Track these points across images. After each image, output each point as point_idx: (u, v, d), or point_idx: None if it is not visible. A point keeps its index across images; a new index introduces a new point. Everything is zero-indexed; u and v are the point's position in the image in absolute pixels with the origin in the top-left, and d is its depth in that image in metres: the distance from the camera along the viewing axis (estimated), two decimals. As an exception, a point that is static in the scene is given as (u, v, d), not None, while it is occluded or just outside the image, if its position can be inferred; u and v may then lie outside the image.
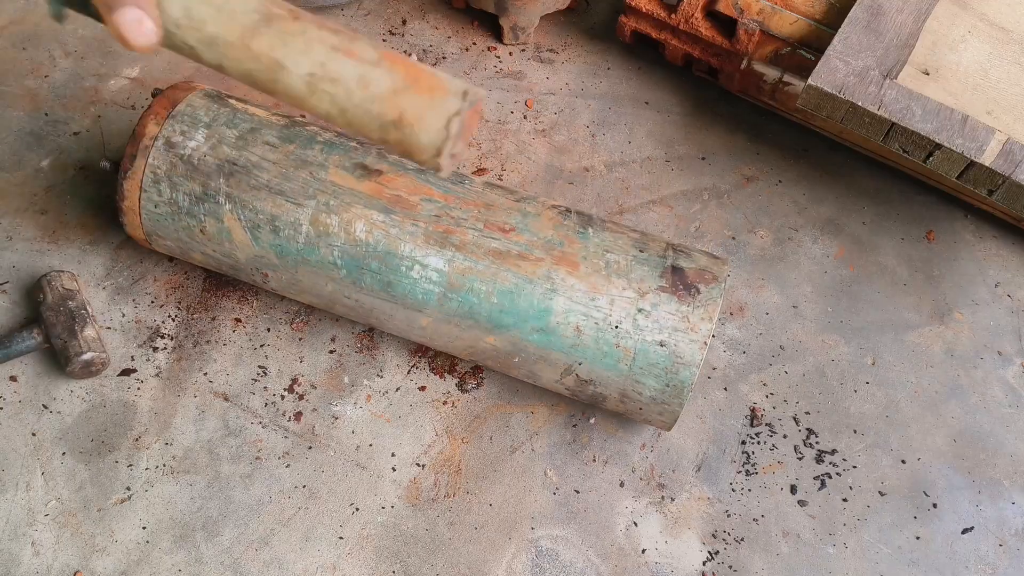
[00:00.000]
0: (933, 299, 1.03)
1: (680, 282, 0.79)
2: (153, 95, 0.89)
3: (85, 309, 0.89)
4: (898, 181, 1.11)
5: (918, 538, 0.88)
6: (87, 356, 0.86)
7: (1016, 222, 1.07)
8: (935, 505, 0.90)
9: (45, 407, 0.88)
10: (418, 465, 0.89)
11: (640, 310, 0.78)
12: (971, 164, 0.87)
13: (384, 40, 1.17)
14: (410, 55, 1.16)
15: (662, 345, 0.78)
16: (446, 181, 0.84)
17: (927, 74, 0.92)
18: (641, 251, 0.81)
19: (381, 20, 1.19)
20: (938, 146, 0.88)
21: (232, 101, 0.88)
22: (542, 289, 0.79)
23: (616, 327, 0.79)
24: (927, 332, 1.01)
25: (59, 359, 0.87)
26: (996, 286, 1.05)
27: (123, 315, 0.94)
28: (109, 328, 0.93)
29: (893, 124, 0.89)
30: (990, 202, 1.05)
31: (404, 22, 1.19)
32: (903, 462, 0.92)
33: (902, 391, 0.97)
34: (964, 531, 0.89)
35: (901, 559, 0.87)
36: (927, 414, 0.95)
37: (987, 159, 0.87)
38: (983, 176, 0.88)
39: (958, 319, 1.02)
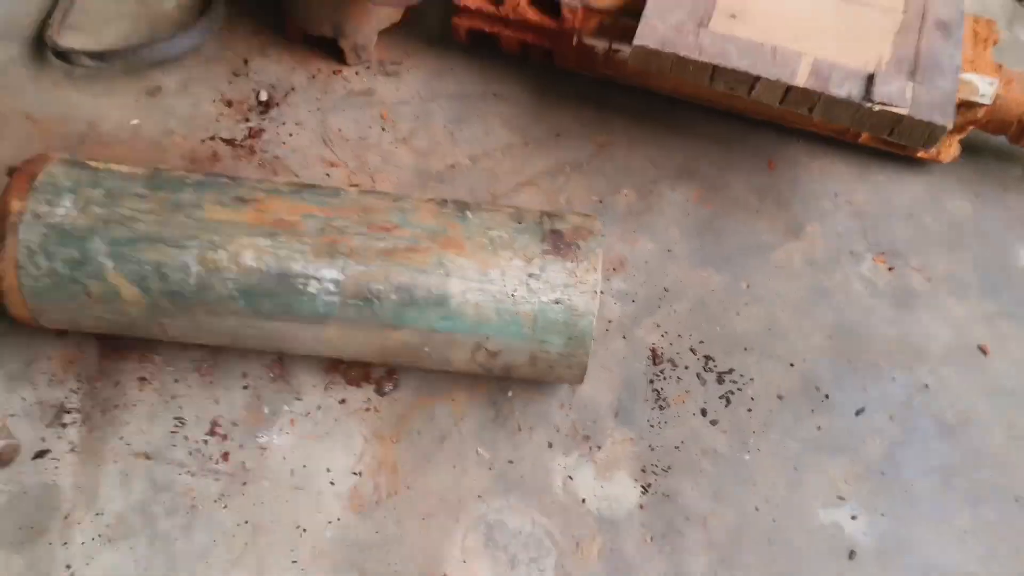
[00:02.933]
0: (785, 219, 1.14)
1: (560, 242, 0.85)
2: (9, 174, 0.88)
3: None
4: (734, 122, 1.21)
5: (819, 428, 0.97)
6: None
7: (839, 135, 1.19)
8: (827, 396, 0.99)
9: (-39, 508, 0.85)
10: (355, 474, 0.91)
11: (531, 275, 0.84)
12: (789, 88, 0.97)
13: (230, 83, 1.19)
14: (258, 92, 1.18)
15: (558, 302, 0.84)
16: (322, 196, 0.87)
17: (734, 17, 1.02)
18: (519, 223, 0.87)
19: (223, 63, 1.20)
20: (757, 78, 0.98)
21: (91, 163, 0.88)
22: (436, 275, 0.84)
23: (512, 295, 0.84)
24: (787, 249, 1.11)
25: None
26: (836, 195, 1.16)
27: (23, 399, 0.92)
28: (12, 416, 0.91)
29: (715, 67, 0.98)
30: (816, 123, 1.16)
31: (246, 62, 1.21)
32: (792, 365, 1.01)
33: (777, 305, 1.06)
34: (857, 412, 0.98)
35: (809, 449, 0.95)
36: (802, 320, 1.05)
37: (800, 80, 0.97)
38: (801, 97, 0.98)
39: (810, 231, 1.13)
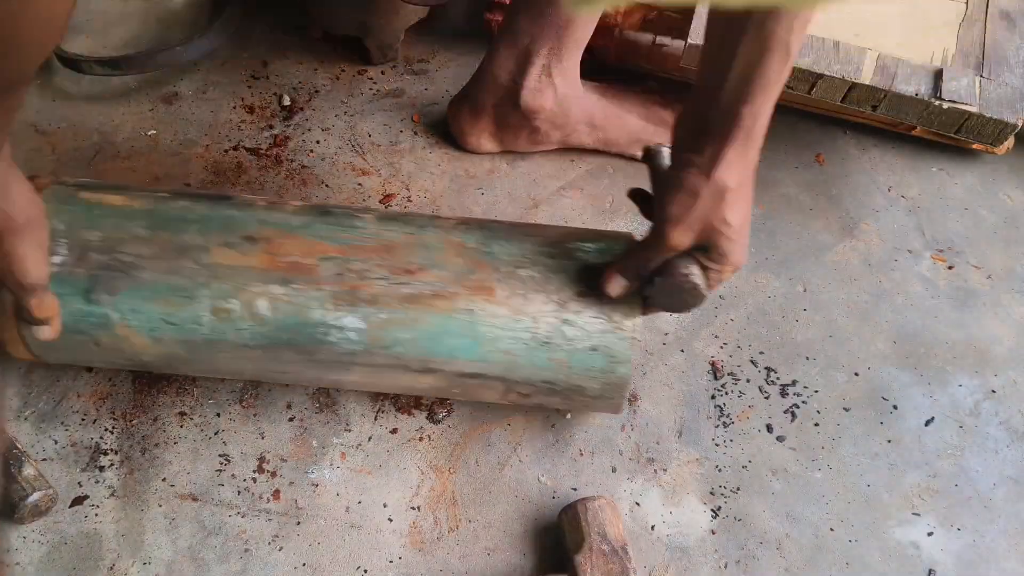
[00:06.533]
0: (839, 217, 1.09)
1: (597, 282, 0.79)
2: None
3: (15, 448, 0.82)
4: (777, 114, 1.15)
5: (889, 441, 0.94)
6: (34, 497, 0.79)
7: (890, 127, 1.14)
8: (895, 407, 0.96)
9: (1, 563, 0.80)
10: (413, 508, 0.86)
11: (565, 320, 0.78)
12: (852, 86, 0.93)
13: (250, 87, 1.12)
14: (280, 96, 1.11)
15: (594, 349, 0.78)
16: (337, 230, 0.80)
17: (792, 11, 0.96)
18: (552, 258, 0.80)
19: (239, 67, 1.14)
20: (820, 76, 0.93)
21: (84, 194, 0.81)
22: (465, 322, 0.78)
23: (546, 343, 0.78)
24: (843, 248, 1.07)
25: (1, 509, 0.80)
26: (889, 190, 1.12)
27: (55, 442, 0.87)
28: (45, 460, 0.86)
29: (774, 64, 0.93)
30: (864, 114, 1.11)
31: (265, 64, 1.14)
32: (856, 374, 0.98)
33: (836, 309, 1.02)
34: (927, 423, 0.95)
35: (880, 464, 0.92)
36: (864, 324, 1.01)
37: (865, 78, 0.92)
38: (865, 95, 0.93)
39: (865, 229, 1.09)
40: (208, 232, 0.78)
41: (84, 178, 0.86)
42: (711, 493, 0.89)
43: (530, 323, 0.78)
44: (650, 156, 0.76)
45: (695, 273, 0.73)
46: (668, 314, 0.99)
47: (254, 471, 0.87)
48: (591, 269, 0.79)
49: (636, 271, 0.75)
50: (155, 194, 0.82)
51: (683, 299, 0.75)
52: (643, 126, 1.07)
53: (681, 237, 0.71)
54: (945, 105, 0.90)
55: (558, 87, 1.00)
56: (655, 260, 0.74)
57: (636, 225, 1.05)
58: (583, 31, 0.97)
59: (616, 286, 0.76)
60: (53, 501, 0.82)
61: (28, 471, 0.81)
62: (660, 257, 0.73)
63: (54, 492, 0.82)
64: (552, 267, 0.80)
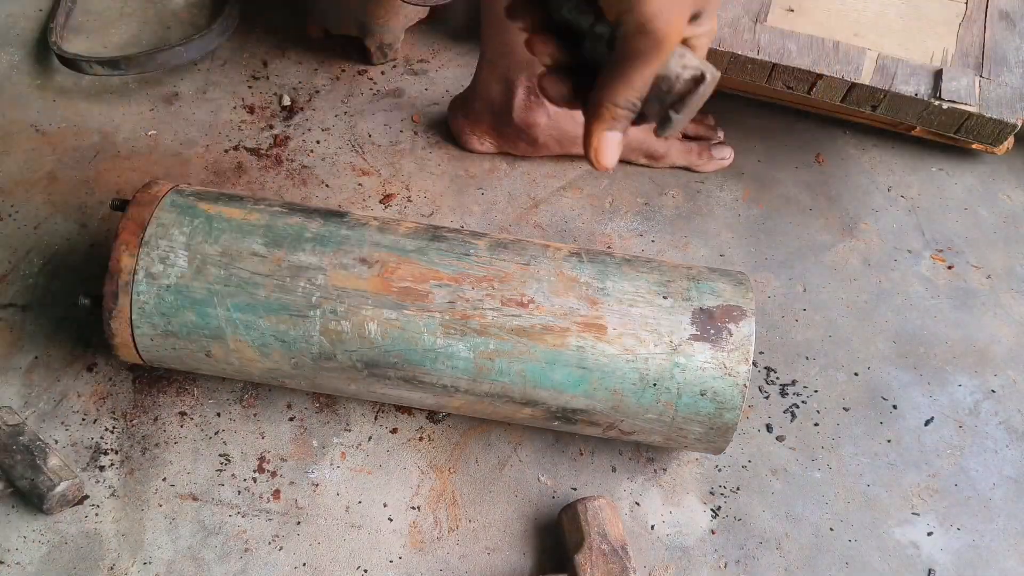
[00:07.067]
0: (839, 217, 1.09)
1: (711, 326, 0.79)
2: (113, 208, 0.83)
3: (39, 439, 0.82)
4: (777, 114, 1.16)
5: (889, 441, 0.94)
6: (61, 487, 0.80)
7: (890, 127, 1.14)
8: (895, 407, 0.96)
9: (1, 563, 0.80)
10: (413, 508, 0.86)
11: (676, 364, 0.78)
12: (852, 86, 0.93)
13: (250, 87, 1.12)
14: (280, 96, 1.11)
15: (703, 394, 0.79)
16: (450, 257, 0.81)
17: (792, 11, 0.96)
18: (665, 297, 0.80)
19: (240, 67, 1.14)
20: (819, 76, 0.93)
21: (202, 205, 0.82)
22: (574, 359, 0.78)
23: (654, 385, 0.79)
24: (842, 248, 1.07)
25: (30, 500, 0.81)
26: (889, 190, 1.12)
27: (56, 442, 0.87)
28: (45, 460, 0.86)
29: (774, 65, 0.93)
30: (863, 114, 1.11)
31: (265, 64, 1.14)
32: (856, 374, 0.98)
33: (836, 309, 1.02)
34: (926, 423, 0.95)
35: (880, 464, 0.92)
36: (863, 324, 1.01)
37: (865, 78, 0.92)
38: (865, 95, 0.93)
39: (865, 229, 1.09)
40: (323, 252, 0.79)
41: (199, 186, 0.88)
42: (711, 493, 0.89)
43: (640, 363, 0.78)
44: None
45: (691, 64, 0.50)
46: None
47: (254, 471, 0.87)
48: (707, 315, 0.80)
49: (630, 109, 0.52)
50: (270, 208, 0.83)
51: (692, 100, 0.51)
52: (644, 135, 1.07)
53: (675, 20, 0.48)
54: (945, 105, 0.91)
55: (548, 105, 1.00)
56: (646, 76, 0.50)
57: (635, 224, 1.05)
58: None
59: (612, 148, 0.53)
60: (80, 491, 0.83)
61: (53, 462, 0.81)
62: (652, 70, 0.49)
63: (80, 482, 0.83)
64: (667, 308, 0.80)
